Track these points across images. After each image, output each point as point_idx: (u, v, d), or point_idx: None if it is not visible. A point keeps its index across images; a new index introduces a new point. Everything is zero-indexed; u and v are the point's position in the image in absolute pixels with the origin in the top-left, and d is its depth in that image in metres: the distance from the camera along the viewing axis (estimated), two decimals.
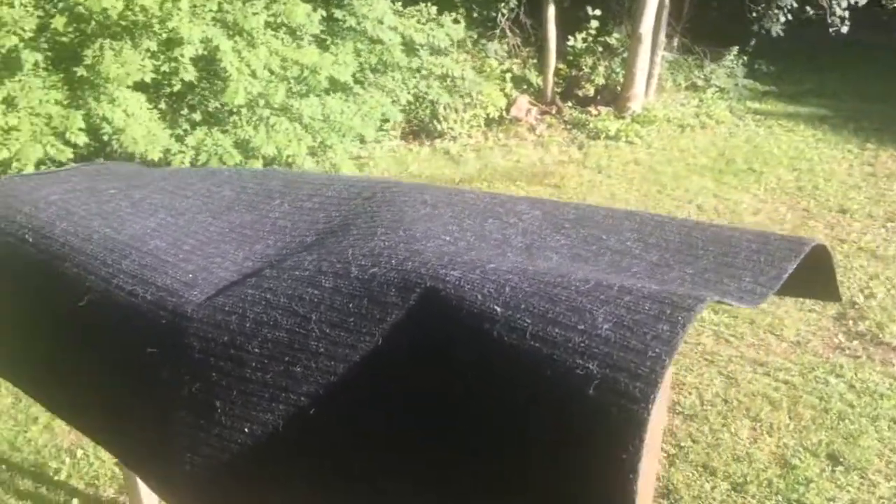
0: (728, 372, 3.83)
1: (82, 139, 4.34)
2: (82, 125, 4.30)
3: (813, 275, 1.55)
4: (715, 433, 3.36)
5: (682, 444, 3.28)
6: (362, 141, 6.35)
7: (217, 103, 5.13)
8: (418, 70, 6.78)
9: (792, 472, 3.12)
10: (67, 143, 4.35)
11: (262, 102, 5.07)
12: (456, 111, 7.76)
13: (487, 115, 7.94)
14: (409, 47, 6.30)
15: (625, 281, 1.24)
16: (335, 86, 5.41)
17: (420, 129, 7.84)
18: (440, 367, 1.27)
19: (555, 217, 1.59)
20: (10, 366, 2.02)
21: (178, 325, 1.47)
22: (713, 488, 3.04)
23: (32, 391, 2.01)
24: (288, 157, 5.05)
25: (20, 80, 4.38)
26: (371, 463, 1.35)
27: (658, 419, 1.66)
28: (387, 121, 6.08)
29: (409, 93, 6.67)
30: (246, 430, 1.44)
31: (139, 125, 4.55)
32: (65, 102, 4.44)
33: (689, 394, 3.64)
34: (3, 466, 3.19)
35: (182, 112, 5.29)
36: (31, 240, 1.76)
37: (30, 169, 4.07)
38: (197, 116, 5.27)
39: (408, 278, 1.30)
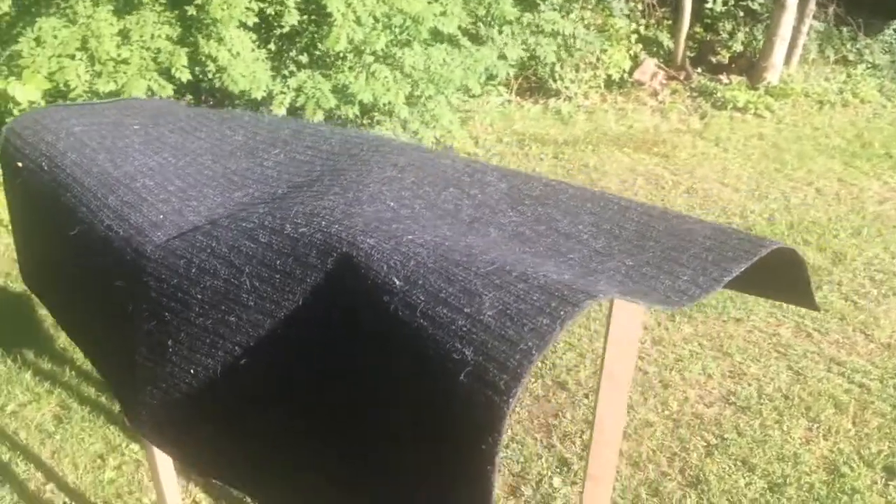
0: (799, 367, 3.62)
1: (186, 76, 4.53)
2: (185, 62, 4.48)
3: (784, 279, 1.44)
4: (765, 429, 3.19)
5: (726, 435, 3.15)
6: (468, 94, 6.30)
7: (323, 48, 5.22)
8: (536, 26, 6.62)
9: (839, 479, 2.94)
10: (171, 79, 4.55)
11: (367, 49, 5.11)
12: (577, 69, 7.55)
13: (608, 76, 7.69)
14: (526, 1, 6.16)
15: (532, 267, 1.19)
16: (438, 37, 5.37)
17: (538, 86, 7.69)
18: (349, 334, 1.27)
19: (519, 192, 1.54)
20: (34, 279, 2.19)
21: (138, 264, 1.54)
22: (748, 484, 2.91)
23: (45, 303, 2.17)
24: (384, 104, 5.09)
25: (136, 14, 4.61)
26: (287, 417, 1.38)
27: (613, 415, 1.60)
28: (493, 76, 5.99)
29: (522, 48, 6.54)
30: (192, 371, 1.50)
31: (243, 65, 4.71)
32: (175, 39, 4.64)
33: (749, 385, 3.48)
34: (74, 373, 3.46)
35: (290, 54, 5.42)
36: (46, 167, 1.87)
37: None
38: (304, 59, 5.38)
39: (329, 242, 1.31)
